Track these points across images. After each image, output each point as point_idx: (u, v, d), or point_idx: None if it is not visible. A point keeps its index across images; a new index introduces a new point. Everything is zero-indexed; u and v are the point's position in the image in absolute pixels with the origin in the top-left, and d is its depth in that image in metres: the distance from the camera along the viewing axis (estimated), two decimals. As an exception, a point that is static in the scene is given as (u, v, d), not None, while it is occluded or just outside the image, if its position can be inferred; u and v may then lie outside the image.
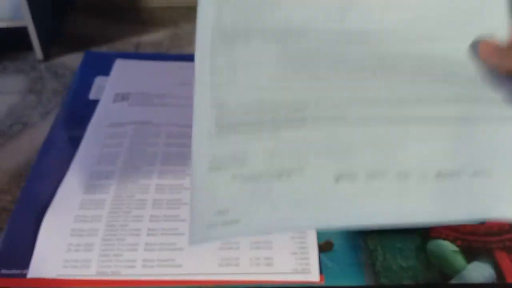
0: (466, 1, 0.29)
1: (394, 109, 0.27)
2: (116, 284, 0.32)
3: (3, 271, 0.33)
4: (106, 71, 0.51)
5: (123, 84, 0.49)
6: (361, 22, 0.28)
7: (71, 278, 0.32)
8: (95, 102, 0.47)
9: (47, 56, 1.53)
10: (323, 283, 0.34)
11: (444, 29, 0.29)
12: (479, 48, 0.28)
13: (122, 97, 0.47)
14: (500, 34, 0.28)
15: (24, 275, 0.32)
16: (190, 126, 0.44)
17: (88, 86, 0.50)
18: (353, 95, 0.27)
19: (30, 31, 1.45)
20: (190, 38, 1.65)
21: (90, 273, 0.33)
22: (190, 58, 0.54)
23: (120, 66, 0.51)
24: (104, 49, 1.59)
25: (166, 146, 0.42)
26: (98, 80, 0.50)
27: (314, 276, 0.34)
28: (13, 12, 1.43)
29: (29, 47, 1.52)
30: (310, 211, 0.25)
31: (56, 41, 1.62)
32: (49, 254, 0.33)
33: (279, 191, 0.25)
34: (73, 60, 1.52)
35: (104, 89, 0.49)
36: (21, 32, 1.52)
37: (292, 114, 0.26)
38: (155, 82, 0.49)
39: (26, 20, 1.43)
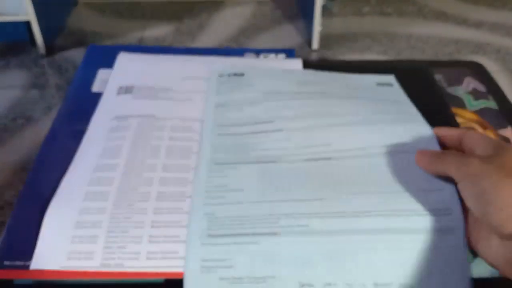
0: (398, 132, 0.39)
1: (346, 223, 0.33)
2: (120, 276, 0.32)
3: (6, 263, 0.33)
4: (109, 64, 0.51)
5: (127, 77, 0.49)
6: (322, 152, 0.38)
7: (75, 269, 0.32)
8: (98, 95, 0.47)
9: (50, 51, 1.53)
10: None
11: (383, 149, 0.38)
12: (415, 156, 0.36)
13: (125, 90, 0.47)
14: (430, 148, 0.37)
15: (27, 267, 0.32)
16: (194, 119, 0.44)
17: (91, 79, 0.50)
18: (315, 209, 0.34)
19: (33, 25, 1.45)
20: (193, 33, 1.65)
21: (93, 265, 0.32)
22: (194, 51, 0.54)
23: (123, 59, 0.51)
24: (107, 44, 1.59)
25: (170, 140, 0.41)
26: (101, 73, 0.50)
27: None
28: (16, 6, 1.43)
29: (32, 42, 1.52)
30: None
31: (59, 36, 1.62)
32: (53, 246, 0.33)
33: None
34: (76, 55, 1.52)
35: (107, 82, 0.48)
36: (24, 27, 1.52)
37: (268, 227, 0.33)
38: (159, 75, 0.49)
39: (29, 15, 1.43)
